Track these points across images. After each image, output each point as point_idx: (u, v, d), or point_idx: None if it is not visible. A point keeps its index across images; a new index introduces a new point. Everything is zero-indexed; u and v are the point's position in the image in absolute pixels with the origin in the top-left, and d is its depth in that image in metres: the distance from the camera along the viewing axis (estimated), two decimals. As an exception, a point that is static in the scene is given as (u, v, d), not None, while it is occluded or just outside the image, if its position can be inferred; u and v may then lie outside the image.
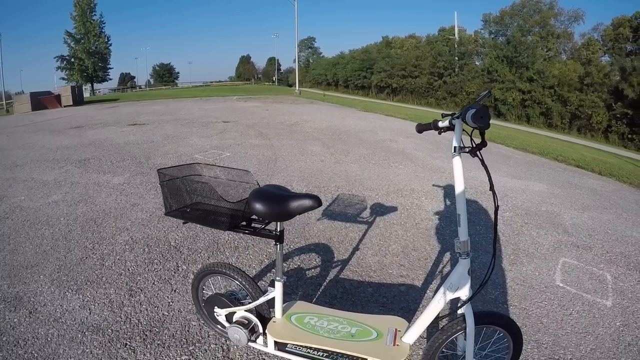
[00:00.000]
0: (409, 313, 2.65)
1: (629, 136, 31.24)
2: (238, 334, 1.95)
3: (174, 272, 3.06)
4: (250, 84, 76.24)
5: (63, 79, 45.49)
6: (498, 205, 1.68)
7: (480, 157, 1.68)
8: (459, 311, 1.76)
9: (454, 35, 46.55)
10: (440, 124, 1.84)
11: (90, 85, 47.39)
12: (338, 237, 3.79)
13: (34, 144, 8.52)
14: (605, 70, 34.45)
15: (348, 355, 1.81)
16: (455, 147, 1.69)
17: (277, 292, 1.96)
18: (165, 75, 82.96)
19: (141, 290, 2.81)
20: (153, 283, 2.90)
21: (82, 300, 2.69)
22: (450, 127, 1.79)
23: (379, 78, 51.67)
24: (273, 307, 2.02)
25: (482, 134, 1.64)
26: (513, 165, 7.59)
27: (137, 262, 3.21)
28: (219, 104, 18.62)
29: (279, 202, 1.79)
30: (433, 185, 5.58)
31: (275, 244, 1.92)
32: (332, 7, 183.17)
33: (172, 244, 3.55)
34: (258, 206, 1.78)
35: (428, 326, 1.83)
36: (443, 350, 1.88)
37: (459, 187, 1.70)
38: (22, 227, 3.94)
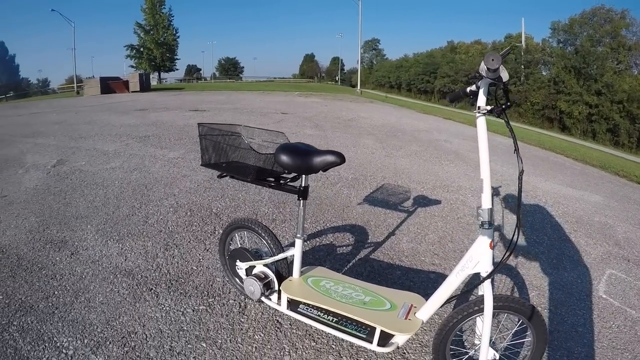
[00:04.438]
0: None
1: None
2: (253, 286, 2.02)
3: (210, 235, 3.22)
4: (313, 82, 76.76)
5: (132, 67, 48.44)
6: (522, 170, 1.59)
7: (505, 118, 1.61)
8: (479, 291, 1.65)
9: (521, 42, 44.77)
10: (469, 89, 1.76)
11: (157, 74, 49.80)
12: (376, 222, 3.79)
13: (100, 121, 9.14)
14: (683, 87, 31.91)
15: (357, 322, 1.80)
16: (479, 107, 1.60)
17: (296, 250, 2.02)
18: (230, 69, 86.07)
19: (176, 246, 2.99)
20: (189, 241, 3.08)
21: (120, 249, 2.92)
22: (477, 91, 1.69)
23: (442, 83, 50.50)
24: (292, 267, 2.07)
25: (506, 93, 1.59)
26: (570, 175, 7.27)
27: (177, 223, 3.41)
28: (280, 98, 18.92)
29: (302, 155, 1.84)
30: (482, 184, 5.40)
31: (299, 199, 1.97)
32: (397, 10, 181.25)
33: (213, 211, 3.73)
34: (283, 158, 1.84)
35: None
36: (458, 333, 1.80)
37: (482, 150, 1.62)
38: (78, 186, 4.30)
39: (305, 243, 3.19)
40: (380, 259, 3.08)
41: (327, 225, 3.62)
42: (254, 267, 2.12)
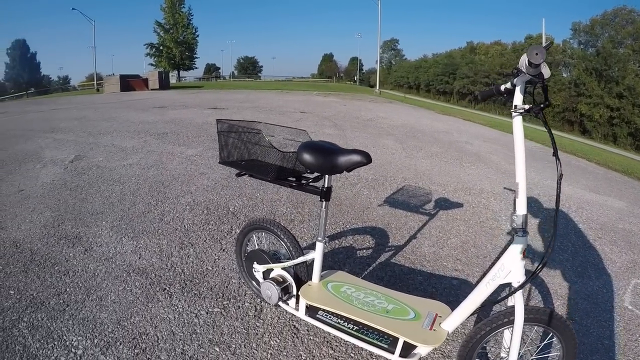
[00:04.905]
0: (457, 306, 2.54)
1: None
2: (270, 291, 1.93)
3: (227, 234, 3.16)
4: (331, 81, 75.96)
5: (151, 64, 48.51)
6: (562, 174, 1.48)
7: (543, 118, 1.51)
8: (509, 302, 1.56)
9: (541, 43, 44.25)
10: (503, 87, 1.70)
11: (176, 72, 50.22)
12: (396, 224, 3.70)
13: (119, 118, 9.20)
14: None
15: (379, 331, 1.71)
16: (515, 106, 1.52)
17: (317, 253, 1.92)
18: (249, 68, 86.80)
19: (192, 245, 2.94)
20: (204, 241, 3.02)
21: (134, 246, 2.87)
22: (512, 89, 1.62)
23: (461, 84, 50.42)
24: (311, 271, 1.98)
25: (545, 91, 1.49)
26: (593, 180, 7.04)
27: (194, 221, 3.36)
28: (298, 97, 18.79)
29: (327, 154, 1.75)
30: (504, 188, 5.31)
31: (321, 201, 1.88)
32: (417, 10, 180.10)
33: (230, 209, 3.68)
34: (306, 156, 1.75)
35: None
36: (484, 346, 1.71)
37: (518, 151, 1.52)
38: (95, 182, 4.29)
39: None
40: (401, 263, 2.98)
41: (347, 227, 3.54)
42: (272, 270, 2.03)
